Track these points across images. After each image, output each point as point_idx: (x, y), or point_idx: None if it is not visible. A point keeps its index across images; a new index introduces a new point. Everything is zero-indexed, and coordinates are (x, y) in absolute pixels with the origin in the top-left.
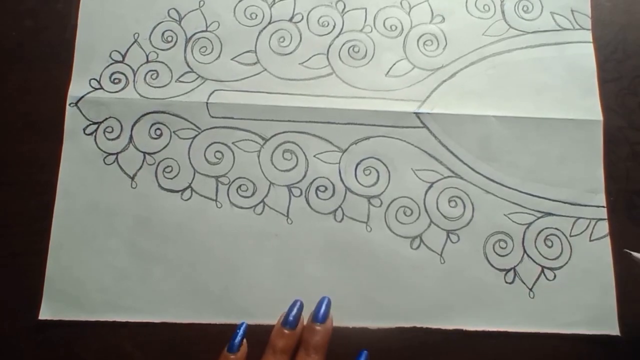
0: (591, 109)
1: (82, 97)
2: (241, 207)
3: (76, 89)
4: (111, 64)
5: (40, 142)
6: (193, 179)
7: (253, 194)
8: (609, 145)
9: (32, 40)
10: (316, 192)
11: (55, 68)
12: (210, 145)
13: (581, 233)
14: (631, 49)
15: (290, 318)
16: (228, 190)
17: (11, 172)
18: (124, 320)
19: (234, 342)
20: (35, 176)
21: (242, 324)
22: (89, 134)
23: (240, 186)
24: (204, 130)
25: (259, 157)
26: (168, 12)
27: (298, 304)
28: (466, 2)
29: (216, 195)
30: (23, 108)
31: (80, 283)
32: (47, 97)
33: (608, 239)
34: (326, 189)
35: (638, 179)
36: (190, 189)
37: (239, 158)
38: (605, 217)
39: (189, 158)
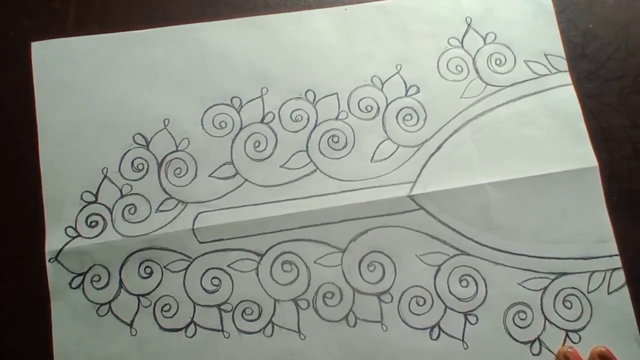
0: (585, 156)
1: (61, 249)
2: (250, 333)
3: (53, 241)
4: (84, 206)
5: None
6: (194, 312)
7: (259, 315)
8: (611, 144)
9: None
10: (324, 300)
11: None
12: (205, 273)
13: (598, 287)
14: (634, 46)
15: None
16: (233, 317)
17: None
18: None
19: None
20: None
21: None
22: (75, 288)
23: (244, 310)
24: (196, 258)
25: (257, 275)
26: (133, 138)
27: None
28: (437, 66)
29: (221, 325)
30: None
31: None
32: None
33: (626, 289)
34: (333, 294)
35: None
36: (193, 324)
37: (237, 280)
38: (620, 265)
39: (186, 291)
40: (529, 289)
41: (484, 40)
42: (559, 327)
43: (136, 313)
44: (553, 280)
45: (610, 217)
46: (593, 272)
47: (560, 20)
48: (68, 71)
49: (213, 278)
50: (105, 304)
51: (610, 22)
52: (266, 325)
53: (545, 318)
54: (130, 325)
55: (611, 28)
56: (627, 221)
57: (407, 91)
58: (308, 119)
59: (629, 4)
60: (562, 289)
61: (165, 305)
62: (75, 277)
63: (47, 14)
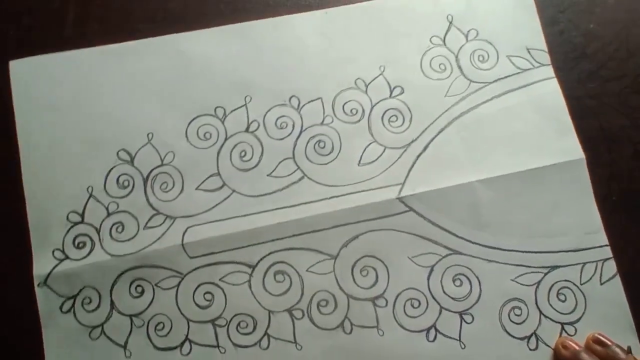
0: (571, 149)
1: (49, 273)
2: (246, 347)
3: (40, 266)
4: (71, 227)
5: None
6: (188, 329)
7: (254, 328)
8: (611, 144)
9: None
10: (318, 309)
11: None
12: (197, 288)
13: (591, 278)
14: (634, 46)
15: None
16: (228, 331)
17: None
18: None
19: None
20: None
21: None
22: (66, 312)
23: (239, 324)
24: (187, 274)
25: (250, 287)
26: (117, 154)
27: None
28: (421, 66)
29: (217, 340)
30: None
31: None
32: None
33: (618, 278)
34: (327, 302)
35: None
36: (188, 341)
37: (230, 294)
38: (611, 255)
39: (179, 308)
40: (522, 284)
41: (466, 37)
42: (554, 321)
43: (129, 334)
44: (546, 274)
45: (610, 217)
46: (585, 263)
47: (560, 20)
48: (48, 88)
49: (205, 293)
50: (98, 326)
51: (610, 22)
52: (262, 338)
53: (541, 312)
54: (124, 346)
55: (612, 28)
56: (627, 221)
57: (391, 92)
58: (293, 126)
59: (629, 4)
60: (555, 282)
61: (159, 324)
62: (65, 300)
63: (46, 13)
